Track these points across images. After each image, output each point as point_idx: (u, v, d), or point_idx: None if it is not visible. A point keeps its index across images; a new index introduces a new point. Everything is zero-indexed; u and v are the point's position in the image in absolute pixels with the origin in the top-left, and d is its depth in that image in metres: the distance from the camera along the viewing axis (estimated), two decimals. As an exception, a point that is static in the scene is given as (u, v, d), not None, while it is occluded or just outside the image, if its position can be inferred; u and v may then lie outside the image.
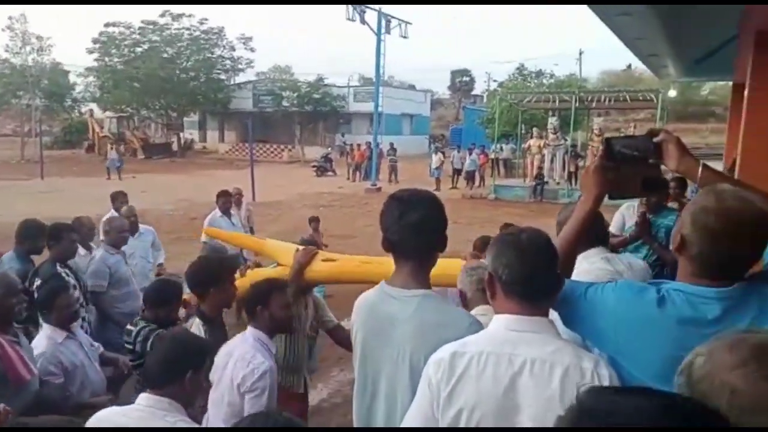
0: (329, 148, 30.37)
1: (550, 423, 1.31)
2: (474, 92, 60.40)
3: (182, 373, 1.96)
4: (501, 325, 1.45)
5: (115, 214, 5.61)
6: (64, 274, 3.95)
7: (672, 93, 16.08)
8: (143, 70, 32.40)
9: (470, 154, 21.43)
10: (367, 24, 20.59)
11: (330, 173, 24.76)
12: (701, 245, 1.37)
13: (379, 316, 1.75)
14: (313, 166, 25.28)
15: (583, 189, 1.68)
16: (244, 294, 2.75)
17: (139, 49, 34.07)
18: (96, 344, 3.47)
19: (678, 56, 5.58)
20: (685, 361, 0.88)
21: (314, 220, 8.46)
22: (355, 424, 1.85)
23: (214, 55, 35.74)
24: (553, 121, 18.55)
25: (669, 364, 1.36)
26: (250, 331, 2.59)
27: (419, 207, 1.71)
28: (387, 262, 1.91)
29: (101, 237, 4.90)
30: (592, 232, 2.11)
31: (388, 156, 23.27)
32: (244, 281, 3.13)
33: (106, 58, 34.16)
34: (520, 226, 1.55)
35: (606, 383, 1.32)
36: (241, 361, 2.40)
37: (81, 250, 4.51)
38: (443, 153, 22.40)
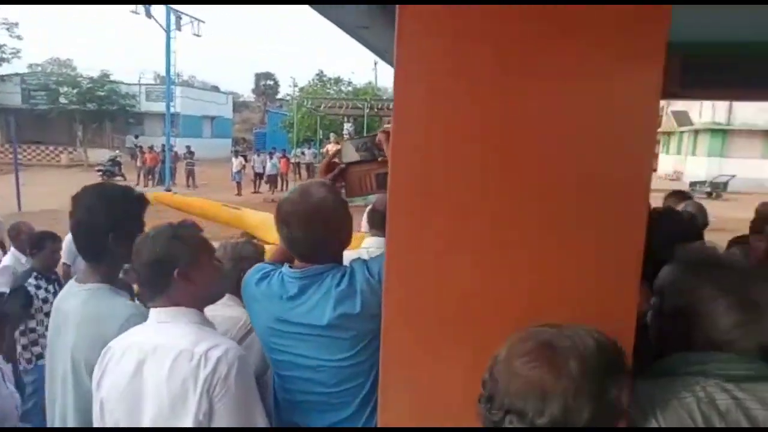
0: (118, 151, 27.72)
1: (164, 405, 1.38)
2: (279, 96, 60.22)
3: None
4: (150, 318, 1.53)
5: None
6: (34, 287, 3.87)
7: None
8: None
9: (271, 158, 21.30)
10: (154, 18, 19.34)
11: (119, 178, 22.59)
12: (279, 233, 1.58)
13: (58, 312, 1.74)
14: (99, 170, 22.82)
15: None
16: None
17: None
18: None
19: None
20: (501, 348, 0.97)
21: None
22: None
23: (-33, 41, 30.50)
24: (348, 126, 19.48)
25: (267, 332, 1.59)
26: None
27: (78, 207, 1.70)
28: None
29: None
30: None
31: (185, 159, 22.00)
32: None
33: None
34: None
35: (210, 366, 1.38)
36: None
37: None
38: (245, 157, 21.92)
